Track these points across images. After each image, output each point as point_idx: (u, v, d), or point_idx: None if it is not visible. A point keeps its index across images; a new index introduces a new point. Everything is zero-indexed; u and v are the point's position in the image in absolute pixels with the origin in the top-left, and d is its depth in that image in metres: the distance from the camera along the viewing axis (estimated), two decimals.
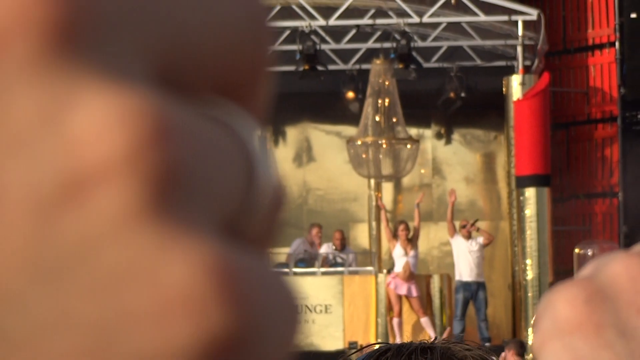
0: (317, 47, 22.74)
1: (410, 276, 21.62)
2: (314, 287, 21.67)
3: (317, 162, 25.14)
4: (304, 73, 23.06)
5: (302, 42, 22.82)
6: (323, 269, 22.56)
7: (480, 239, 22.10)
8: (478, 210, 24.73)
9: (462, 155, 25.35)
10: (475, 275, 22.16)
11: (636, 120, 24.25)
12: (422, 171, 25.14)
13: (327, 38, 23.21)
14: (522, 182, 22.77)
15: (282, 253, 23.45)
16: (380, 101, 22.78)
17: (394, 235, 22.26)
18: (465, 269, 22.24)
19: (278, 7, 23.01)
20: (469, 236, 22.09)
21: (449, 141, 25.18)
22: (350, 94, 23.41)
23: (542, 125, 22.92)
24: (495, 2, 22.80)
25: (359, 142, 23.23)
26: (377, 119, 22.76)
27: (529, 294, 22.33)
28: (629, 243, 22.85)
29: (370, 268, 22.22)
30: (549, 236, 22.46)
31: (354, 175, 23.97)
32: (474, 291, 22.19)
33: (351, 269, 22.15)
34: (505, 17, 22.67)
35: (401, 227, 21.93)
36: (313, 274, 22.26)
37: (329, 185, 24.94)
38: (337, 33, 23.18)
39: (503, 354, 17.60)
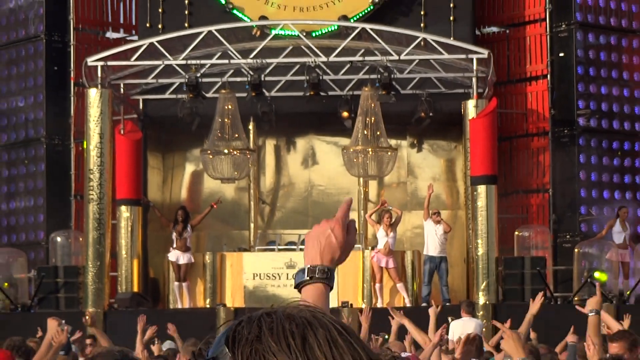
0: (320, 77, 22.29)
1: (389, 252, 21.65)
2: None
3: (320, 165, 24.88)
4: (310, 97, 22.57)
5: (309, 74, 22.39)
6: None
7: (442, 227, 21.96)
8: (442, 202, 24.57)
9: (430, 160, 25.14)
10: (439, 252, 22.06)
11: (563, 135, 24.09)
12: (400, 172, 24.75)
13: (328, 71, 22.85)
14: (475, 181, 22.49)
15: (293, 234, 23.15)
16: (367, 119, 22.53)
17: (378, 222, 22.33)
18: (432, 246, 22.14)
19: (291, 47, 22.68)
20: (438, 222, 22.06)
21: (420, 149, 24.90)
22: (345, 114, 23.02)
23: (491, 138, 22.63)
24: (455, 44, 22.65)
25: (352, 150, 23.05)
26: (365, 132, 22.59)
27: (480, 266, 22.06)
28: (557, 228, 23.88)
29: (358, 245, 21.84)
30: (495, 222, 22.17)
31: (347, 175, 23.71)
32: (437, 263, 22.11)
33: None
34: (463, 56, 22.42)
35: (386, 215, 21.89)
36: None
37: (329, 183, 24.78)
38: (335, 67, 22.79)
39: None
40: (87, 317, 15.21)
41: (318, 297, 2.83)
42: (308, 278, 2.56)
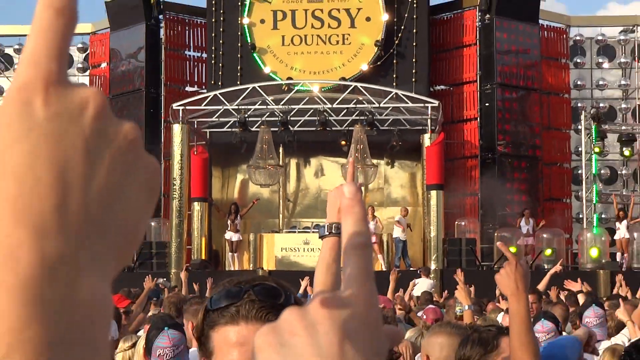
0: (326, 118, 22.31)
1: (373, 233, 20.98)
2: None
3: (326, 176, 24.58)
4: (320, 131, 22.45)
5: (319, 115, 22.27)
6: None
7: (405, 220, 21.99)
8: (407, 202, 24.27)
9: (399, 174, 24.91)
10: (405, 235, 21.83)
11: (487, 158, 23.96)
12: (379, 181, 24.43)
13: (332, 113, 22.59)
14: (429, 188, 22.40)
15: (308, 222, 23.11)
16: (358, 146, 22.42)
17: None
18: (399, 232, 21.86)
19: (307, 98, 22.63)
20: (405, 215, 22.10)
21: (392, 166, 24.63)
22: (343, 142, 22.90)
23: (440, 159, 22.42)
24: (416, 96, 22.43)
25: (348, 167, 22.60)
26: (356, 154, 22.37)
27: (432, 244, 22.06)
28: (483, 219, 23.61)
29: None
30: (442, 215, 22.13)
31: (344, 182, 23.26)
32: (404, 243, 21.84)
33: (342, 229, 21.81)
34: (422, 105, 22.32)
35: (370, 209, 21.35)
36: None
37: (332, 187, 23.67)
38: (336, 111, 22.55)
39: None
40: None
41: (333, 247, 2.71)
42: (327, 233, 2.48)
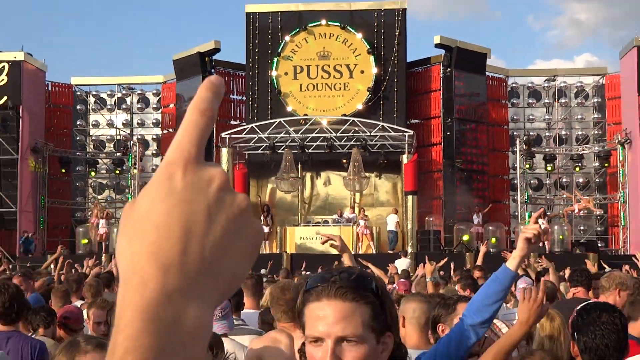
0: (333, 142, 22.46)
1: (366, 227, 21.25)
2: (333, 230, 21.14)
3: (332, 185, 24.51)
4: (328, 152, 22.55)
5: (327, 141, 22.41)
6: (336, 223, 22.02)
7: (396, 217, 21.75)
8: (390, 204, 24.00)
9: (385, 183, 24.63)
10: (395, 227, 21.74)
11: (448, 172, 23.66)
12: (370, 189, 24.32)
13: (336, 140, 22.65)
14: (407, 193, 22.56)
15: (319, 218, 23.26)
16: (354, 163, 22.43)
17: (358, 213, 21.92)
18: (391, 225, 21.78)
19: (318, 129, 22.73)
20: (396, 213, 21.86)
21: (380, 178, 24.38)
22: (344, 161, 22.89)
23: (414, 173, 22.39)
24: (397, 127, 22.41)
25: (347, 178, 22.98)
26: (353, 169, 22.46)
27: (408, 234, 22.09)
28: (446, 216, 23.14)
29: (349, 223, 21.72)
30: (416, 213, 22.30)
31: (344, 190, 23.66)
32: (394, 233, 21.69)
33: (343, 223, 21.49)
34: (401, 133, 22.38)
35: (362, 210, 21.69)
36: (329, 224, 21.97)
37: (336, 193, 24.57)
38: (339, 138, 22.58)
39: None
40: None
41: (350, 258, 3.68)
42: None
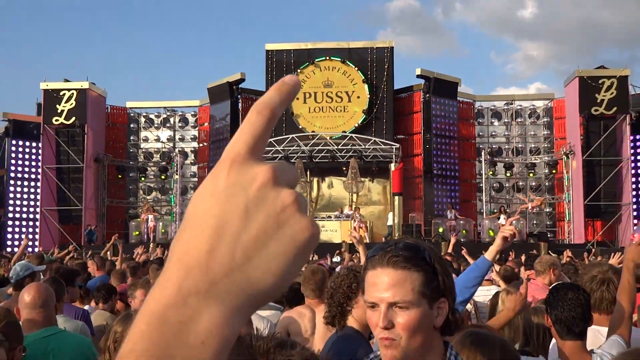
0: (335, 154, 22.37)
1: (360, 222, 20.83)
2: (335, 224, 20.95)
3: (334, 187, 24.46)
4: (331, 162, 22.47)
5: (331, 152, 22.34)
6: (337, 218, 21.81)
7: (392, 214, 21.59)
8: (381, 202, 24.06)
9: (377, 186, 24.46)
10: (392, 222, 21.64)
11: (428, 177, 23.46)
12: (365, 191, 24.14)
13: (338, 152, 22.50)
14: (394, 194, 22.56)
15: (323, 214, 23.24)
16: (352, 170, 22.39)
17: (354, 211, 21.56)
18: (390, 221, 21.73)
19: (324, 142, 22.61)
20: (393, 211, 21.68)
21: (373, 182, 24.22)
22: (344, 169, 22.83)
23: (400, 178, 22.32)
24: (386, 142, 22.26)
25: (346, 182, 22.89)
26: (351, 175, 22.48)
27: (395, 227, 21.73)
28: (426, 213, 22.86)
29: (348, 218, 21.47)
30: (401, 210, 22.33)
31: (344, 191, 23.56)
32: (390, 227, 21.54)
33: (343, 218, 21.46)
34: (390, 146, 22.24)
35: (357, 209, 21.27)
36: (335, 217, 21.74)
37: (337, 194, 24.41)
38: (340, 150, 22.45)
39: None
40: None
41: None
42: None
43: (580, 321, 2.45)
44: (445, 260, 1.40)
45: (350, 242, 3.67)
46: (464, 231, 21.32)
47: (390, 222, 21.66)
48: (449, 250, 9.36)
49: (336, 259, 11.72)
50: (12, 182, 23.46)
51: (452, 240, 8.47)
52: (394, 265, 1.30)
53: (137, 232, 22.84)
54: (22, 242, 8.16)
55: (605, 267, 2.93)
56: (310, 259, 12.73)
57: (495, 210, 23.06)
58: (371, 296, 1.32)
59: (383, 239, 21.28)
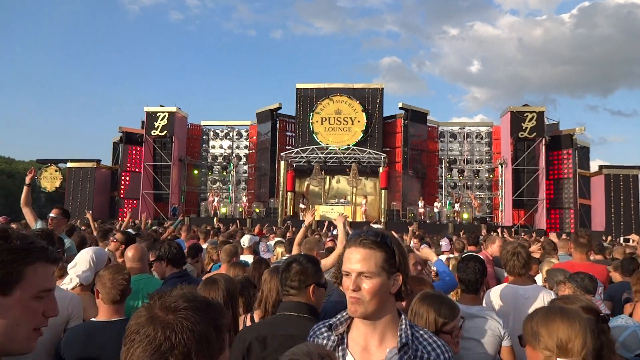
0: (341, 162, 21.84)
1: (366, 207, 20.64)
2: (340, 208, 20.91)
3: (340, 183, 23.50)
4: (339, 165, 22.16)
5: (339, 159, 21.93)
6: (342, 204, 21.53)
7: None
8: (373, 194, 23.29)
9: (370, 185, 23.51)
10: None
11: (406, 177, 23.02)
12: (361, 185, 23.31)
13: (343, 159, 21.87)
14: (382, 189, 22.00)
15: (333, 201, 22.98)
16: (352, 172, 21.91)
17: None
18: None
19: (334, 152, 22.53)
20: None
21: (367, 180, 23.34)
22: (348, 170, 22.08)
23: (386, 177, 21.02)
24: (377, 152, 22.03)
25: (349, 179, 22.21)
26: (353, 176, 21.88)
27: (382, 213, 21.37)
28: (403, 202, 22.29)
29: (349, 204, 21.17)
30: (386, 200, 21.83)
31: (348, 188, 22.86)
32: (381, 225, 20.70)
33: (345, 204, 21.06)
34: (379, 156, 21.77)
35: (366, 199, 21.11)
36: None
37: (343, 187, 23.52)
38: (345, 159, 21.89)
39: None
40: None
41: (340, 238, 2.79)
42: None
43: (476, 283, 2.42)
44: (403, 245, 1.34)
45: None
46: (429, 216, 21.25)
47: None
48: (415, 231, 9.40)
49: (335, 231, 11.76)
50: (123, 174, 24.69)
51: (415, 226, 8.59)
52: (363, 246, 1.25)
53: (205, 209, 23.51)
54: (141, 215, 8.33)
55: (515, 244, 2.81)
56: (316, 231, 10.93)
57: (451, 202, 22.88)
58: (346, 267, 1.26)
59: (374, 220, 21.43)
